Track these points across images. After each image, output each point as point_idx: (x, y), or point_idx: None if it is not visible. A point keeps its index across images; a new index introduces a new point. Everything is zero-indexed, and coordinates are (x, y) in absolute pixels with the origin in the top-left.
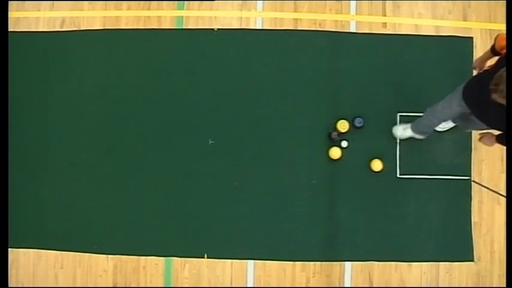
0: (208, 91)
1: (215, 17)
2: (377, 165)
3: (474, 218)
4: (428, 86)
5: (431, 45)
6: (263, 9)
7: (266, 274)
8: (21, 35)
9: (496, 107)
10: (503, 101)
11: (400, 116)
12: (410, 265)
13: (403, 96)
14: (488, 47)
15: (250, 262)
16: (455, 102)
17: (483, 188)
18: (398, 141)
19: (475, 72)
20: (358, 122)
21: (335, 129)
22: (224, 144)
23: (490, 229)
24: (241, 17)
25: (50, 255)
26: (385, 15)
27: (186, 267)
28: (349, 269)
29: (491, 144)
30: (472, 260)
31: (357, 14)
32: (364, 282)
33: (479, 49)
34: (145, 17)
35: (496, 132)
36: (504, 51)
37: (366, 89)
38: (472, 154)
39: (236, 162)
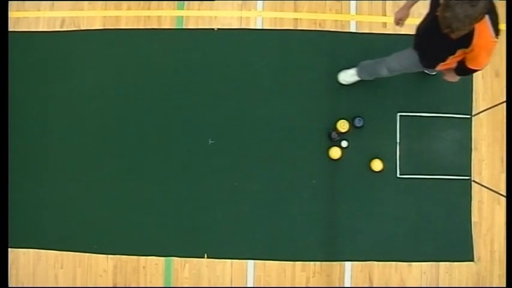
0: (208, 91)
1: (215, 17)
2: (377, 165)
3: (474, 218)
4: (428, 85)
5: None
6: (263, 9)
7: (266, 274)
8: (21, 35)
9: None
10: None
11: (400, 116)
12: (410, 265)
13: (403, 96)
14: None
15: (250, 262)
16: (407, 56)
17: (483, 188)
18: (398, 141)
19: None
20: (358, 122)
21: (335, 129)
22: (224, 144)
23: (490, 229)
24: (241, 17)
25: (50, 255)
26: (385, 15)
27: (186, 267)
28: (349, 269)
29: (454, 79)
30: (472, 260)
31: (357, 14)
32: (364, 282)
33: None
34: (145, 17)
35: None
36: None
37: (366, 89)
38: (472, 154)
39: (236, 162)
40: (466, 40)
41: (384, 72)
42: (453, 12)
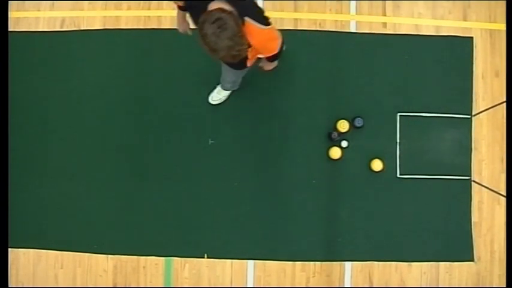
0: (208, 91)
1: None
2: (377, 165)
3: (474, 218)
4: (428, 86)
5: (431, 45)
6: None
7: (266, 274)
8: (21, 35)
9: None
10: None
11: (400, 116)
12: (410, 265)
13: (403, 96)
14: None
15: (250, 262)
16: (225, 67)
17: (483, 188)
18: (398, 141)
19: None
20: (358, 122)
21: (335, 129)
22: (224, 144)
23: (490, 229)
24: None
25: (50, 255)
26: (385, 15)
27: (186, 267)
28: (349, 269)
29: (271, 67)
30: (472, 260)
31: (357, 14)
32: (364, 282)
33: (479, 49)
34: (145, 17)
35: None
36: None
37: (366, 89)
38: (472, 154)
39: (236, 162)
40: None
41: (228, 86)
42: (219, 48)
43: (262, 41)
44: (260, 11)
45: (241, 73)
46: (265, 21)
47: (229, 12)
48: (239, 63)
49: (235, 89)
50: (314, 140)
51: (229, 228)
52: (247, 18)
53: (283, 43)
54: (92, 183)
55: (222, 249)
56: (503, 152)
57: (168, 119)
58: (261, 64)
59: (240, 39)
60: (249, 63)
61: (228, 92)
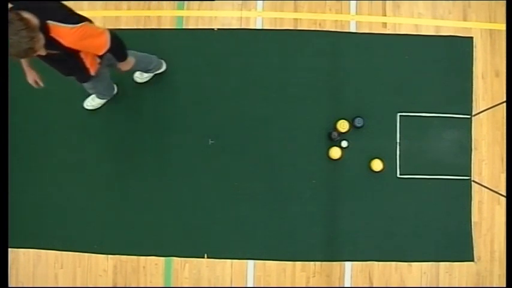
0: (208, 91)
1: (215, 17)
2: (377, 165)
3: (474, 218)
4: (428, 86)
5: (431, 45)
6: (263, 9)
7: (266, 274)
8: None
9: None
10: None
11: (400, 116)
12: (411, 265)
13: (403, 96)
14: None
15: (250, 262)
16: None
17: (483, 188)
18: (398, 141)
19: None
20: (358, 122)
21: (335, 129)
22: (224, 144)
23: (490, 229)
24: (241, 17)
25: (50, 255)
26: (385, 15)
27: (186, 267)
28: (349, 269)
29: (127, 66)
30: (472, 260)
31: (357, 14)
32: (364, 282)
33: (479, 49)
34: (145, 17)
35: None
36: None
37: (366, 89)
38: (472, 154)
39: (236, 162)
40: (61, 48)
41: (95, 94)
42: (17, 46)
43: (75, 41)
44: (67, 12)
45: (98, 82)
46: (73, 21)
47: (15, 13)
48: (83, 76)
49: (106, 98)
50: (314, 140)
51: (229, 228)
52: (50, 22)
53: (116, 37)
54: (92, 183)
55: (222, 249)
56: (503, 152)
57: (168, 118)
58: (117, 67)
59: (27, 33)
60: (92, 72)
61: (102, 101)
